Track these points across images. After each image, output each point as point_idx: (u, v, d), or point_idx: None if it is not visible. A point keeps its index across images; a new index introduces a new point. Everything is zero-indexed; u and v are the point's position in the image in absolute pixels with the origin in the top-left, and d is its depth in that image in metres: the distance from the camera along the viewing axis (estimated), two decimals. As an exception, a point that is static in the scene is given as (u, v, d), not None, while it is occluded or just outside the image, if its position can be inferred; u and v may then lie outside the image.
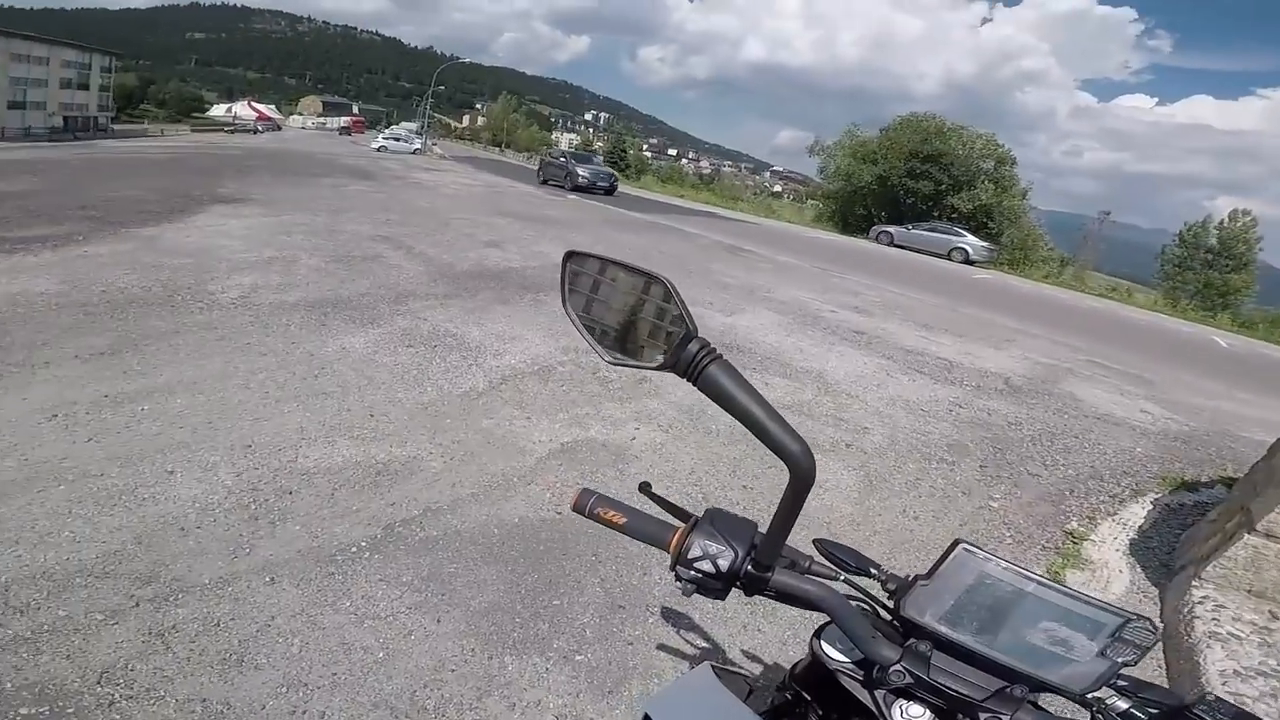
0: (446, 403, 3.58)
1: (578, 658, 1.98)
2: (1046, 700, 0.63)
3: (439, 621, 2.01)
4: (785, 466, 0.59)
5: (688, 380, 0.60)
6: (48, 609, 1.82)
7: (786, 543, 0.66)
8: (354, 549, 2.28)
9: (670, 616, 2.17)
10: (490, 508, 2.67)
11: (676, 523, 0.69)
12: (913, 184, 26.29)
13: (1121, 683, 0.60)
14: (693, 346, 0.60)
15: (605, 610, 2.18)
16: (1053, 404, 5.31)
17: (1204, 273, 28.62)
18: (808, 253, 13.94)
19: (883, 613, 0.69)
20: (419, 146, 39.14)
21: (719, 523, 0.66)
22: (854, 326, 6.78)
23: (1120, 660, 0.56)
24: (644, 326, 0.65)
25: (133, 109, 73.15)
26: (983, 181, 25.96)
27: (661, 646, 2.06)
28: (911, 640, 0.61)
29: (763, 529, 0.66)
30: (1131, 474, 4.17)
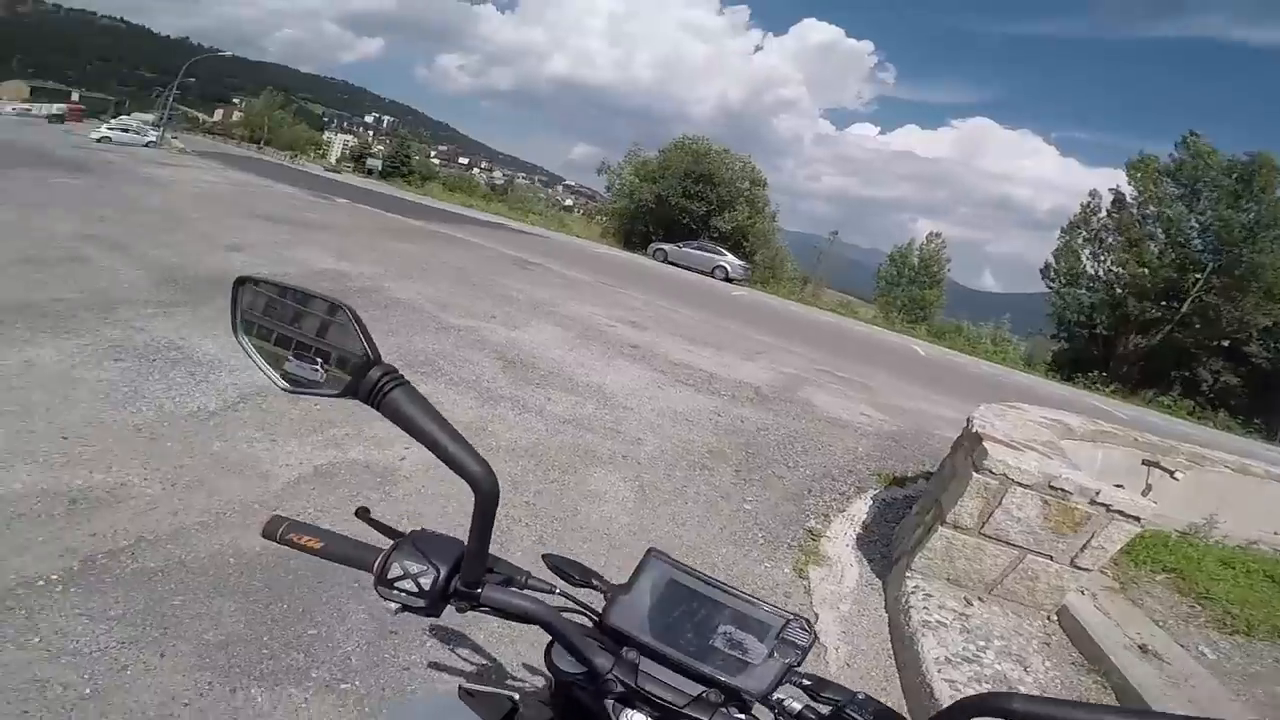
0: (167, 424, 3.07)
1: (343, 686, 1.84)
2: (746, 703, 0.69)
3: (163, 655, 1.80)
4: (471, 489, 0.60)
5: (371, 406, 0.59)
6: None
7: (506, 559, 0.68)
8: (41, 582, 1.96)
9: (450, 637, 2.08)
10: (224, 536, 2.36)
11: (381, 545, 0.67)
12: (687, 204, 28.51)
13: (805, 681, 0.66)
14: (374, 373, 0.59)
15: (374, 637, 2.04)
16: (794, 410, 6.10)
17: (908, 289, 34.13)
18: (592, 268, 14.41)
19: (597, 622, 0.71)
20: (154, 139, 33.11)
21: (421, 543, 0.66)
22: (630, 340, 7.15)
23: (787, 661, 0.62)
24: (324, 354, 0.63)
25: None
26: (741, 202, 29.04)
27: (438, 666, 1.98)
28: (623, 648, 0.64)
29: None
30: (855, 472, 4.87)
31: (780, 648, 0.62)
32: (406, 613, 0.64)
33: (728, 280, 21.40)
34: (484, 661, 2.02)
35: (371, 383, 0.59)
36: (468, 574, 0.64)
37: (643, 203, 29.35)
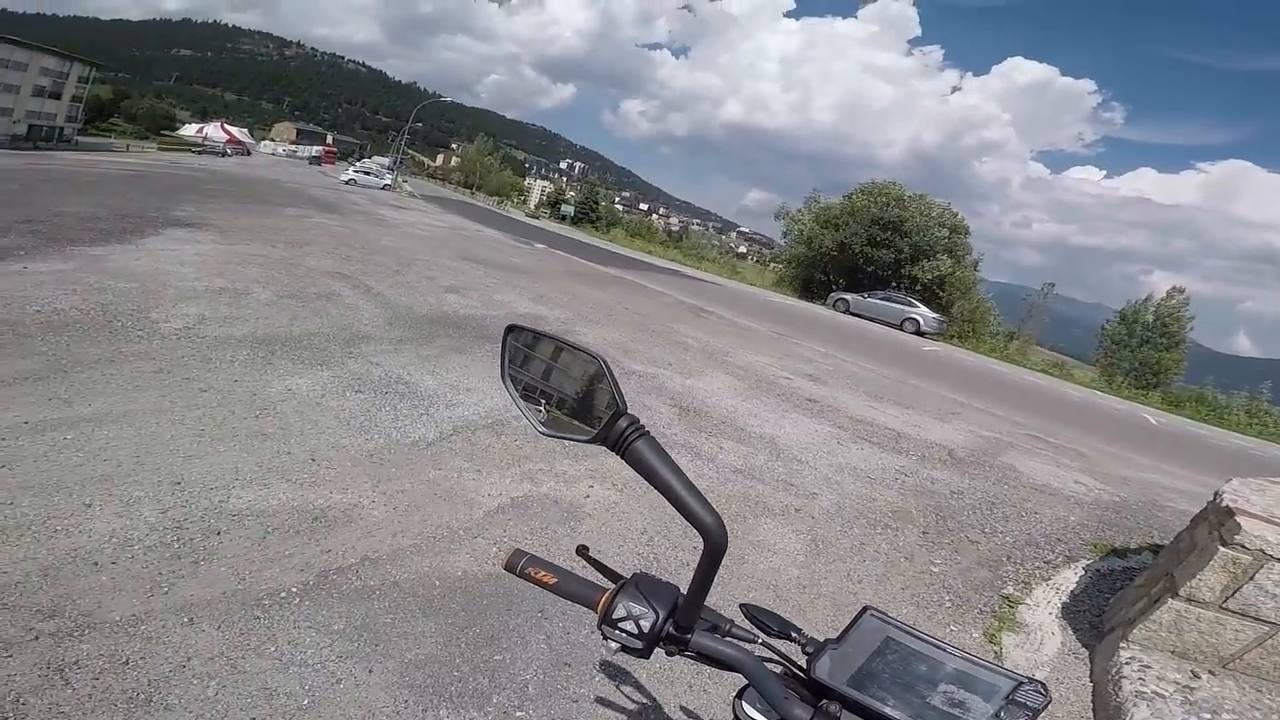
0: (393, 451, 3.49)
1: (518, 714, 1.93)
2: None
3: (370, 671, 1.95)
4: (701, 537, 0.62)
5: (616, 453, 0.63)
6: (-62, 642, 1.70)
7: (713, 607, 0.70)
8: (283, 594, 2.19)
9: (616, 674, 2.13)
10: (433, 559, 2.59)
11: (606, 585, 0.71)
12: (872, 251, 27.07)
13: None
14: (622, 423, 0.63)
15: (550, 667, 2.13)
16: (993, 475, 5.47)
17: (1140, 350, 28.95)
18: (768, 317, 14.29)
19: (799, 674, 0.71)
20: (389, 182, 39.14)
21: (644, 586, 0.69)
22: (807, 394, 6.92)
23: (1003, 717, 0.58)
24: (578, 401, 0.68)
25: (102, 121, 71.33)
26: (939, 251, 26.74)
27: (603, 702, 2.03)
28: (823, 701, 0.63)
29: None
30: (1065, 541, 4.32)
31: (1008, 709, 0.58)
32: (623, 653, 0.66)
33: (919, 334, 20.02)
34: (646, 702, 2.03)
35: (619, 432, 0.63)
36: (682, 619, 0.65)
37: (823, 250, 28.49)
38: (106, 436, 2.95)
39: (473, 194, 62.77)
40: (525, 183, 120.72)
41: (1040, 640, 3.10)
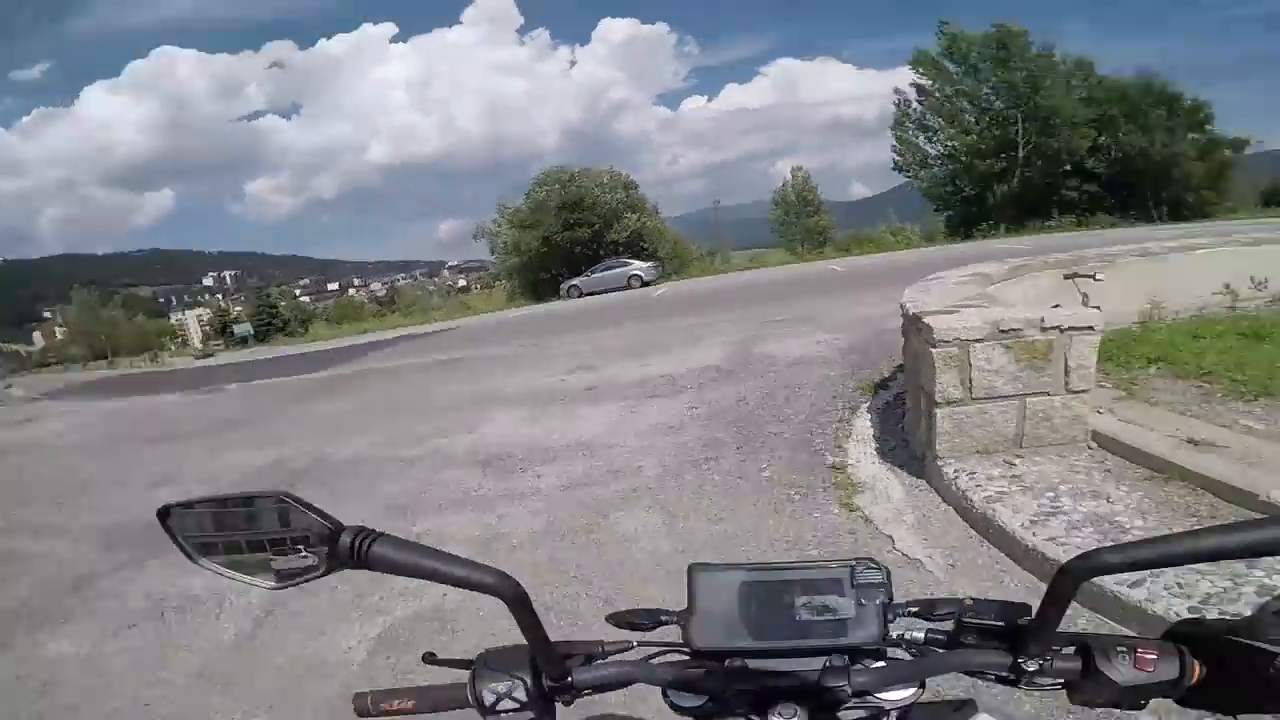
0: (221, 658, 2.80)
1: None
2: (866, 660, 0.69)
3: None
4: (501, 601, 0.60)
5: (360, 569, 0.59)
6: None
7: (575, 640, 0.68)
8: None
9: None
10: None
11: (464, 677, 0.67)
12: (572, 234, 28.84)
13: (912, 609, 0.66)
14: (345, 539, 0.59)
15: None
16: (757, 369, 6.22)
17: (800, 222, 36.80)
18: (515, 335, 14.18)
19: (685, 653, 0.70)
20: None
21: (494, 661, 0.66)
22: (584, 385, 7.09)
23: (879, 601, 0.62)
24: (289, 542, 0.62)
25: None
26: (623, 212, 29.76)
27: None
28: (726, 662, 0.64)
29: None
30: (840, 395, 5.02)
31: (864, 592, 0.62)
32: None
33: (645, 284, 21.77)
34: None
35: (347, 548, 0.59)
36: (550, 670, 0.63)
37: (533, 250, 29.47)
38: None
39: (111, 363, 49.93)
40: (174, 320, 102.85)
41: (885, 489, 3.46)
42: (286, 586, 0.63)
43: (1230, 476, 2.66)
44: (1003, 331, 3.11)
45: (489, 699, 0.63)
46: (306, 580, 0.62)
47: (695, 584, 0.65)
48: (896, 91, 34.99)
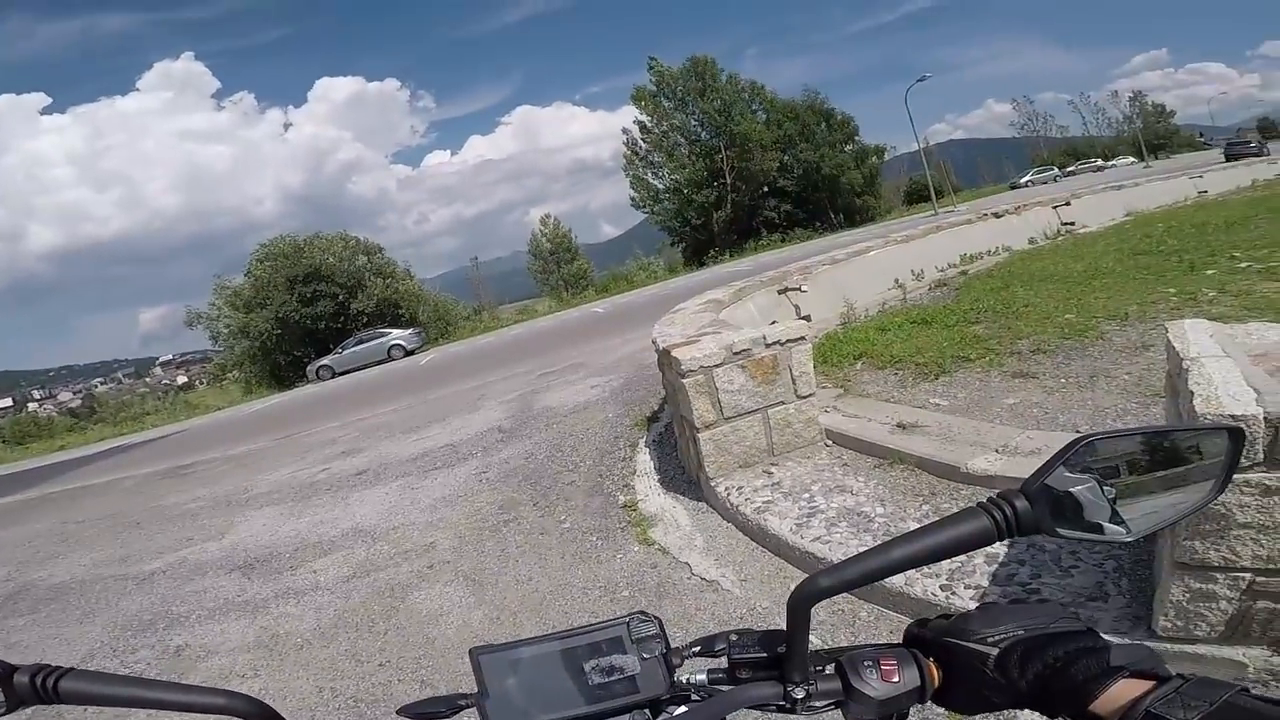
0: None
1: None
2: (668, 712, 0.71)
3: None
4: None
5: (53, 703, 0.54)
6: None
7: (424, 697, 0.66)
8: None
9: None
10: None
11: None
12: (310, 309, 26.08)
13: (690, 651, 0.68)
14: (20, 678, 0.53)
15: None
16: (540, 422, 6.22)
17: (560, 270, 37.85)
18: (260, 432, 12.38)
19: None
20: None
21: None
22: (354, 470, 6.45)
23: (658, 653, 0.63)
24: None
25: None
26: (369, 279, 27.61)
27: None
28: None
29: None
30: (620, 435, 5.20)
31: (643, 645, 0.63)
32: None
33: (409, 354, 20.44)
34: None
35: (27, 687, 0.53)
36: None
37: (265, 333, 26.01)
38: None
39: None
40: None
41: (674, 519, 3.60)
42: None
43: (934, 454, 3.18)
44: (736, 354, 3.47)
45: None
46: None
47: (481, 669, 0.63)
48: (624, 131, 38.10)
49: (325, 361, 21.44)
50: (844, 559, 0.50)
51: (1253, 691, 0.38)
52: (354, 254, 28.43)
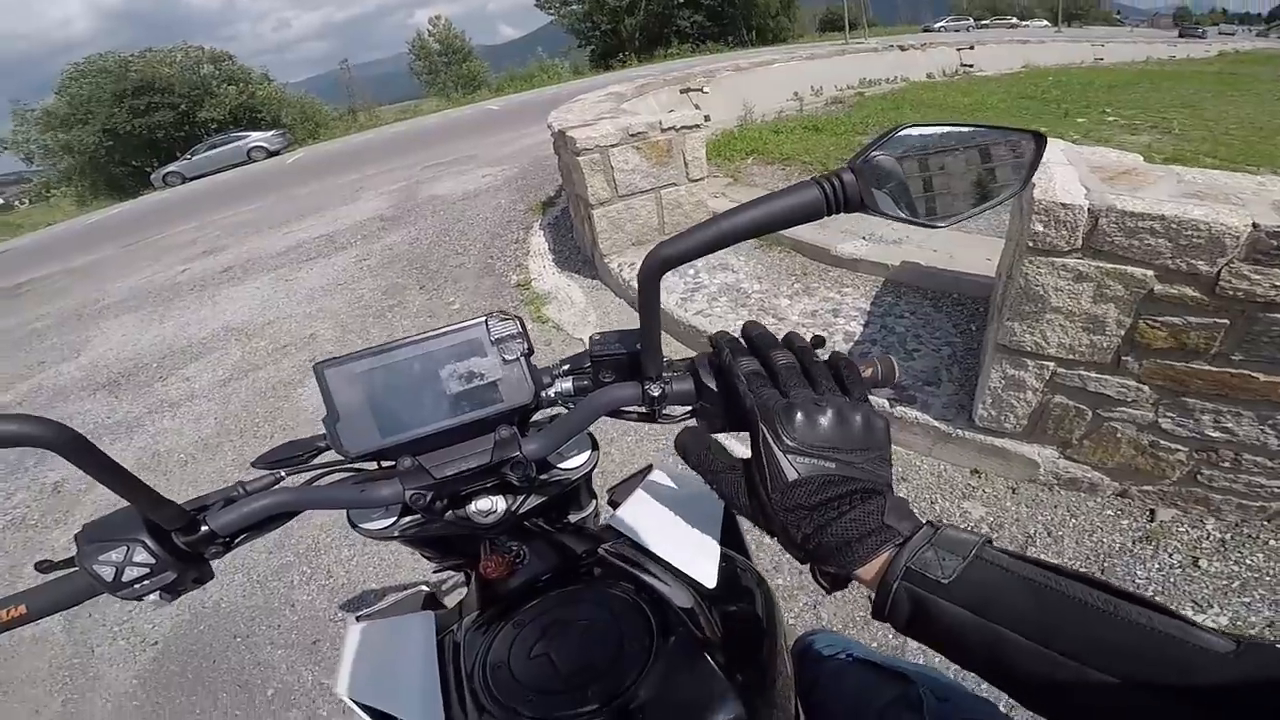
0: None
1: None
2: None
3: None
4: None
5: None
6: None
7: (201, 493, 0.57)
8: None
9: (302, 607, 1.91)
10: None
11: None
12: (146, 120, 24.12)
13: (559, 370, 0.62)
14: None
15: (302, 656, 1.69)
16: (427, 210, 5.85)
17: (453, 70, 35.04)
18: (100, 242, 10.85)
19: (343, 469, 0.64)
20: None
21: (95, 532, 0.52)
22: (218, 267, 5.88)
23: (518, 355, 0.57)
24: None
25: None
26: (218, 86, 25.58)
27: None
28: (396, 462, 0.57)
29: None
30: (512, 219, 5.03)
31: (504, 347, 0.56)
32: (167, 596, 0.53)
33: (273, 155, 18.30)
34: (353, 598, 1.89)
35: None
36: (169, 521, 0.51)
37: (93, 147, 23.63)
38: None
39: None
40: None
41: (568, 295, 3.62)
42: None
43: (808, 239, 3.38)
44: (632, 135, 3.45)
45: (107, 574, 0.50)
46: None
47: (327, 385, 0.54)
48: None
49: (173, 168, 18.90)
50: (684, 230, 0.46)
51: (994, 543, 0.39)
52: (197, 64, 25.80)
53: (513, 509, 0.60)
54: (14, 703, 1.85)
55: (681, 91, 6.89)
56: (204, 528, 0.53)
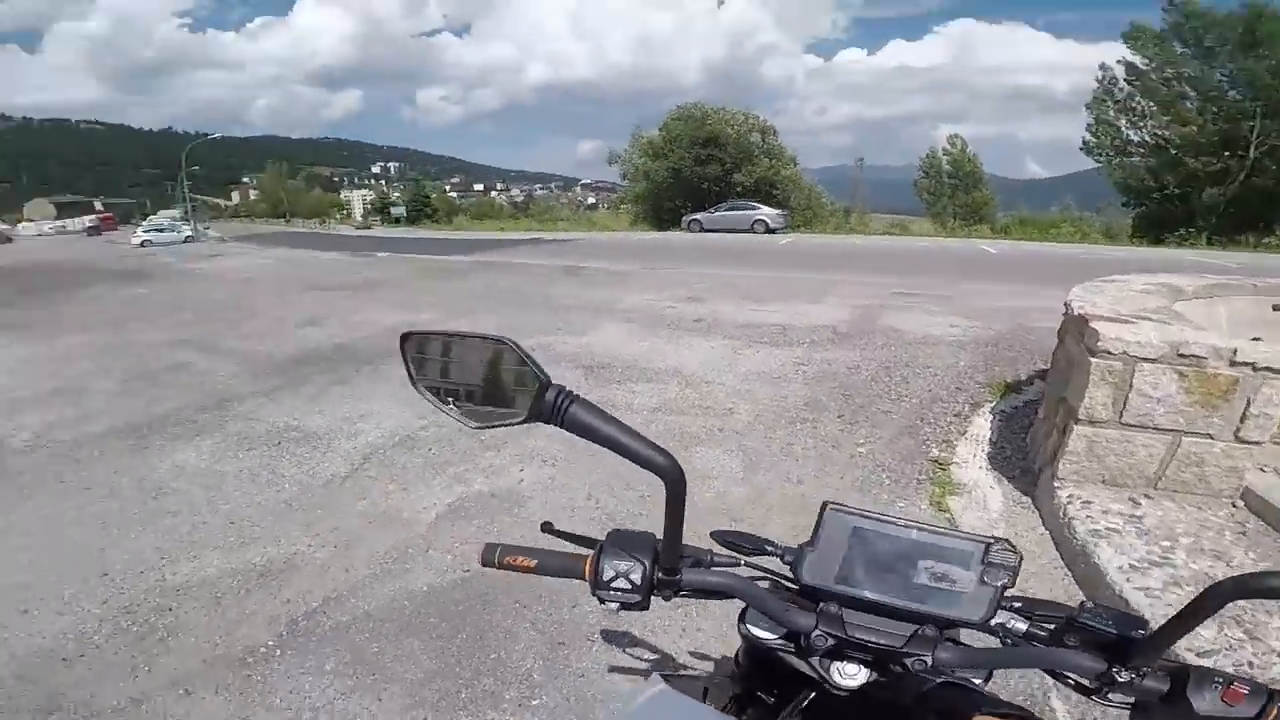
0: (310, 494, 3.27)
1: (534, 703, 1.92)
2: (957, 634, 0.68)
3: (380, 700, 1.93)
4: (660, 480, 0.63)
5: (554, 425, 0.63)
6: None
7: (687, 543, 0.70)
8: (262, 649, 2.16)
9: (613, 638, 2.15)
10: (394, 583, 2.51)
11: (584, 551, 0.71)
12: (701, 170, 28.91)
13: (1017, 604, 0.66)
14: (550, 394, 0.63)
15: (546, 650, 2.13)
16: (878, 340, 5.90)
17: (954, 195, 32.73)
18: (634, 256, 14.40)
19: (788, 585, 0.72)
20: (191, 233, 34.78)
21: (620, 541, 0.69)
22: (694, 316, 7.11)
23: (999, 584, 0.61)
24: (498, 387, 0.67)
25: None
26: (757, 156, 29.26)
27: (614, 669, 2.04)
28: (821, 604, 0.65)
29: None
30: (964, 388, 4.64)
31: (989, 572, 0.60)
32: (624, 610, 0.67)
33: (770, 232, 21.08)
34: (652, 656, 2.06)
35: (550, 404, 0.62)
36: (666, 562, 0.66)
37: (661, 181, 29.84)
38: (8, 547, 2.78)
39: (287, 221, 56.76)
40: (343, 196, 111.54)
41: (983, 497, 3.20)
42: (484, 429, 0.69)
43: None
44: (1182, 356, 2.72)
45: (608, 574, 0.67)
46: (503, 426, 0.67)
47: (824, 521, 0.65)
48: (1102, 67, 29.91)
49: (698, 216, 23.36)
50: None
51: None
52: (750, 130, 30.28)
53: (869, 682, 0.65)
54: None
55: (1276, 308, 5.28)
56: (679, 576, 0.67)
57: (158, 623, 2.31)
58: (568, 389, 0.63)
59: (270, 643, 2.19)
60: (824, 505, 0.65)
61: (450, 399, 0.69)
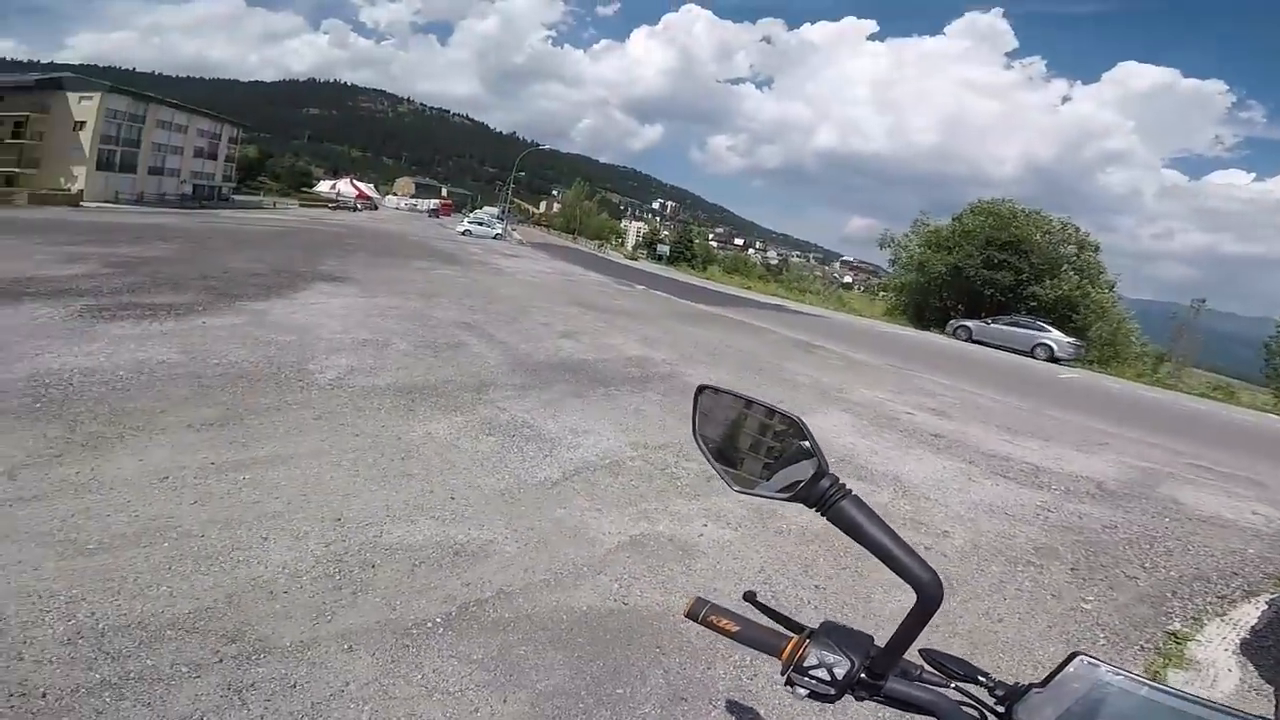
0: (522, 490, 3.65)
1: None
2: None
3: (505, 701, 2.03)
4: (913, 590, 0.63)
5: (818, 512, 0.65)
6: (136, 658, 1.93)
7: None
8: (429, 624, 2.33)
9: (735, 709, 2.13)
10: (560, 594, 2.68)
11: (786, 632, 0.72)
12: (990, 274, 25.06)
13: None
14: (824, 483, 0.66)
15: (667, 701, 2.14)
16: (1151, 507, 4.94)
17: None
18: (881, 349, 13.67)
19: (992, 718, 0.69)
20: (499, 231, 41.02)
21: (834, 635, 0.69)
22: (931, 429, 6.52)
23: None
24: (774, 459, 0.71)
25: (252, 180, 73.61)
26: (1065, 270, 24.81)
27: None
28: None
29: (878, 642, 0.70)
30: (1242, 575, 3.91)
31: None
32: (811, 699, 0.67)
33: (1053, 360, 18.09)
34: None
35: (821, 491, 0.65)
36: (879, 666, 0.66)
37: (935, 275, 26.61)
38: (277, 477, 3.29)
39: (575, 239, 64.48)
40: (621, 225, 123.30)
41: (1214, 676, 2.85)
42: (746, 494, 0.73)
43: None
44: None
45: (810, 661, 0.66)
46: (765, 498, 0.71)
47: (1068, 668, 0.62)
48: None
49: (968, 324, 21.03)
50: None
51: None
52: (1064, 240, 26.00)
53: None
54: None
55: None
56: (884, 682, 0.66)
57: (358, 576, 2.53)
58: (843, 482, 0.66)
59: (438, 619, 2.36)
60: (1072, 654, 0.62)
61: (722, 456, 0.74)
